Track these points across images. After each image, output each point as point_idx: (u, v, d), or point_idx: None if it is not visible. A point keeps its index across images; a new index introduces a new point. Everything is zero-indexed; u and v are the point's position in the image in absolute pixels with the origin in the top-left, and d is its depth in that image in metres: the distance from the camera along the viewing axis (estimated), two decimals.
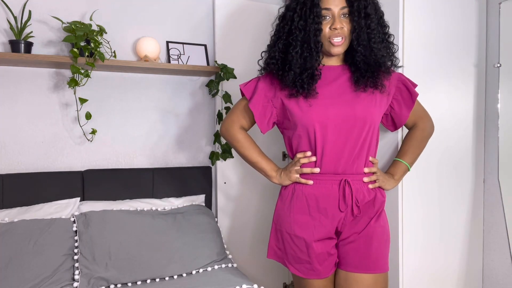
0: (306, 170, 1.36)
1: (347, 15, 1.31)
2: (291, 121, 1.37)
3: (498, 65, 1.75)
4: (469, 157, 1.81)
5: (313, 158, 1.35)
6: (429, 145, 1.69)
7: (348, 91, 1.34)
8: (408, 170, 1.49)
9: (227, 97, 2.07)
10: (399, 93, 1.42)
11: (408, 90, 1.41)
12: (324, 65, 1.39)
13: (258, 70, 1.45)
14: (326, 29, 1.30)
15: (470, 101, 1.80)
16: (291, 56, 1.31)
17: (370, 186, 1.37)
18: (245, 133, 1.50)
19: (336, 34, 1.29)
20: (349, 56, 1.38)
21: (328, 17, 1.30)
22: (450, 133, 1.75)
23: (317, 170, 1.35)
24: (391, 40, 1.38)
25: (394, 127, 1.48)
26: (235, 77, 2.05)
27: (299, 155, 1.38)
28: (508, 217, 1.72)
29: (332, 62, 1.40)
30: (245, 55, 2.18)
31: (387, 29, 1.37)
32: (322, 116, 1.31)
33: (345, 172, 1.34)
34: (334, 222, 1.35)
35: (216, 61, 2.10)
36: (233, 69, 2.06)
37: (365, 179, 1.36)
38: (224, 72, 2.03)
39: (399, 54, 1.61)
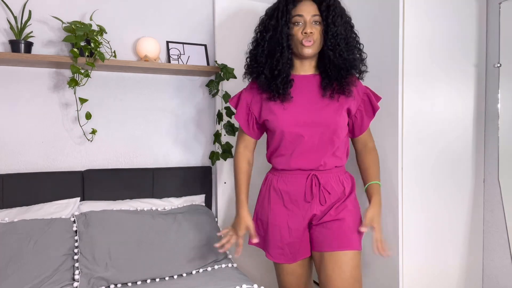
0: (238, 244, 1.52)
1: (318, 23, 1.43)
2: (266, 123, 1.50)
3: (498, 65, 1.75)
4: (469, 157, 1.81)
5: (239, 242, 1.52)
6: (429, 145, 1.69)
7: (317, 98, 1.46)
8: (380, 186, 1.55)
9: (227, 97, 2.07)
10: (363, 104, 1.51)
11: (370, 102, 1.51)
12: (297, 74, 1.50)
13: (242, 75, 1.58)
14: (298, 33, 1.42)
15: (470, 101, 1.80)
16: (263, 59, 1.46)
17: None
18: (244, 167, 1.59)
19: (307, 37, 1.41)
20: (321, 64, 1.49)
21: (300, 23, 1.42)
22: (450, 133, 1.75)
23: (239, 248, 1.51)
24: (361, 48, 1.50)
25: (353, 134, 1.56)
26: (235, 77, 2.05)
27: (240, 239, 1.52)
28: (508, 217, 1.72)
29: (305, 70, 1.51)
30: (245, 55, 2.18)
31: (357, 37, 1.49)
32: (292, 120, 1.44)
33: (313, 169, 1.48)
34: (306, 212, 1.49)
35: (216, 61, 2.10)
36: (233, 69, 2.06)
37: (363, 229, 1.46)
38: (224, 72, 2.03)
39: (399, 55, 1.61)
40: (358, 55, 1.48)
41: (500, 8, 1.73)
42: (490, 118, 1.82)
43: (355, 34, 1.49)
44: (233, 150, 2.14)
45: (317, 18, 1.43)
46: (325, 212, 1.49)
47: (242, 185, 1.57)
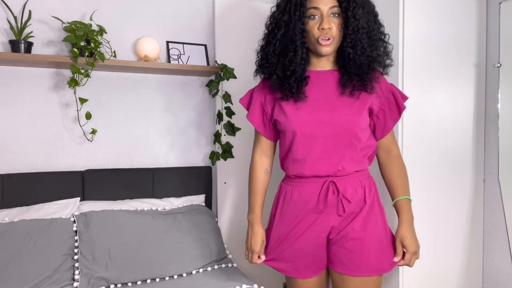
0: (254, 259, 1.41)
1: (336, 15, 1.26)
2: (277, 125, 1.38)
3: (498, 65, 1.75)
4: (469, 157, 1.81)
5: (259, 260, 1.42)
6: (429, 145, 1.69)
7: (335, 96, 1.31)
8: (410, 200, 1.38)
9: (227, 97, 2.07)
10: (387, 103, 1.35)
11: (396, 101, 1.35)
12: (313, 70, 1.36)
13: (253, 73, 1.45)
14: (314, 29, 1.26)
15: (470, 101, 1.80)
16: (275, 59, 1.31)
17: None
18: (260, 177, 1.46)
19: (324, 34, 1.25)
20: (340, 59, 1.33)
21: (316, 17, 1.26)
22: (450, 133, 1.75)
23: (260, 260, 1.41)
24: (386, 39, 1.33)
25: (376, 138, 1.40)
26: (235, 77, 2.05)
27: (254, 257, 1.41)
28: (508, 217, 1.72)
29: (322, 66, 1.35)
30: (245, 55, 2.18)
31: (382, 27, 1.32)
32: (305, 120, 1.30)
33: (330, 175, 1.31)
34: (324, 225, 1.33)
35: (216, 61, 2.10)
36: (233, 69, 2.06)
37: (396, 259, 1.32)
38: (224, 72, 2.03)
39: (399, 54, 1.61)
40: (382, 49, 1.31)
41: (500, 8, 1.73)
42: (490, 118, 1.82)
43: (379, 24, 1.31)
44: (233, 150, 2.14)
45: (336, 10, 1.25)
46: (345, 223, 1.31)
47: (257, 196, 1.43)
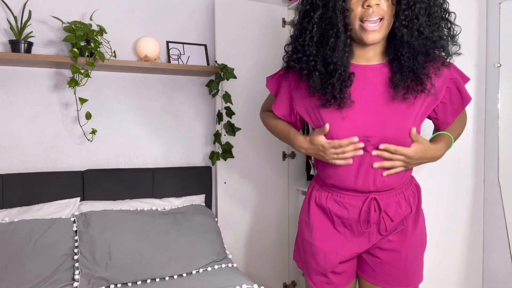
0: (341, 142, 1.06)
1: None
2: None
3: (498, 65, 1.75)
4: (469, 157, 1.81)
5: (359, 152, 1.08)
6: None
7: (385, 100, 1.07)
8: (451, 144, 1.17)
9: (227, 97, 2.07)
10: (448, 95, 1.11)
11: (459, 92, 1.11)
12: (357, 64, 1.10)
13: (283, 68, 1.21)
14: (357, 7, 1.00)
15: (470, 101, 1.79)
16: (314, 49, 1.05)
17: (385, 173, 1.09)
18: (272, 116, 1.29)
19: (371, 13, 0.98)
20: (390, 49, 1.07)
21: None
22: None
23: (360, 144, 1.06)
24: (451, 19, 1.05)
25: (435, 128, 1.23)
26: (235, 77, 2.05)
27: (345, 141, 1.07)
28: (508, 217, 1.72)
29: (368, 59, 1.10)
30: (245, 55, 2.18)
31: (446, 4, 1.05)
32: (353, 134, 1.07)
33: (373, 191, 1.13)
34: (363, 241, 1.18)
35: (216, 61, 2.10)
36: (233, 69, 2.06)
37: (375, 165, 1.09)
38: (224, 72, 2.03)
39: None
40: (446, 31, 1.05)
41: (500, 8, 1.73)
42: (490, 118, 1.82)
43: (442, 0, 1.04)
44: (233, 150, 2.14)
45: None
46: (384, 237, 1.18)
47: (284, 125, 1.24)
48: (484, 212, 1.86)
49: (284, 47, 1.16)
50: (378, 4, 0.98)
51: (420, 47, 1.01)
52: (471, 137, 1.81)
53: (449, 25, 1.06)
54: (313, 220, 1.22)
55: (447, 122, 1.16)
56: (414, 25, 1.00)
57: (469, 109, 1.79)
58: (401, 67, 1.03)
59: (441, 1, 1.05)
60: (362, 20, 1.01)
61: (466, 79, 1.14)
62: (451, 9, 1.61)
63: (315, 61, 1.06)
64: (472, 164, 1.82)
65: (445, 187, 1.75)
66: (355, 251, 1.19)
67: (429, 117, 1.19)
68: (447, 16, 1.05)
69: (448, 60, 1.08)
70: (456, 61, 1.74)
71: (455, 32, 1.06)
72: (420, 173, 1.68)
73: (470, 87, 1.79)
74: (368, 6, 0.98)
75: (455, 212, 1.78)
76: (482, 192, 1.85)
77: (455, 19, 1.07)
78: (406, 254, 1.17)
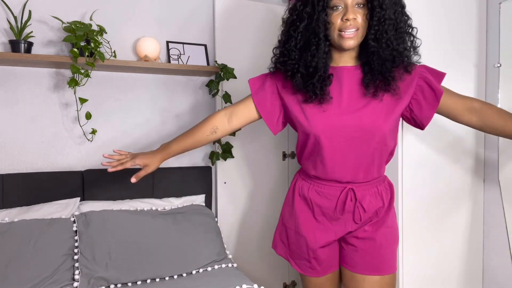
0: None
1: (361, 5, 1.18)
2: (298, 126, 1.32)
3: (498, 65, 1.75)
4: (469, 157, 1.81)
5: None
6: (429, 145, 1.69)
7: (358, 98, 1.25)
8: None
9: (227, 97, 2.07)
10: (420, 92, 1.27)
11: (431, 89, 1.25)
12: (335, 66, 1.28)
13: (268, 68, 1.38)
14: (337, 20, 1.18)
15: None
16: (297, 54, 1.23)
17: None
18: (203, 126, 1.41)
19: (348, 26, 1.17)
20: (363, 54, 1.26)
21: (340, 7, 1.18)
22: (450, 133, 1.75)
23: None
24: (414, 33, 1.25)
25: (420, 127, 1.34)
26: (235, 77, 2.05)
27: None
28: (508, 217, 1.72)
29: (345, 62, 1.28)
30: (245, 55, 2.18)
31: (410, 21, 1.24)
32: (330, 125, 1.24)
33: (350, 181, 1.29)
34: (339, 228, 1.34)
35: (216, 61, 2.10)
36: (233, 69, 2.06)
37: None
38: (224, 72, 2.03)
39: None
40: (409, 43, 1.24)
41: (500, 8, 1.73)
42: None
43: (407, 16, 1.24)
44: (233, 150, 2.14)
45: (361, 0, 1.18)
46: (360, 226, 1.33)
47: (184, 134, 1.42)
48: (484, 212, 1.86)
49: (273, 50, 1.34)
50: (355, 19, 1.17)
51: (387, 56, 1.20)
52: (471, 137, 1.81)
53: (412, 38, 1.25)
54: (297, 210, 1.38)
55: (426, 116, 1.28)
56: (383, 38, 1.18)
57: None
58: (372, 70, 1.22)
59: (406, 18, 1.23)
60: (340, 31, 1.19)
61: (440, 75, 1.28)
62: (452, 9, 1.63)
63: (298, 64, 1.24)
64: (472, 164, 1.82)
65: (445, 187, 1.75)
66: (332, 238, 1.35)
67: (411, 119, 1.33)
68: (410, 30, 1.24)
69: (409, 68, 1.26)
70: (456, 61, 1.75)
71: (416, 44, 1.26)
72: (420, 173, 1.68)
73: (470, 87, 1.79)
74: (347, 19, 1.17)
75: (455, 212, 1.78)
76: (482, 192, 1.85)
77: (417, 33, 1.26)
78: (380, 242, 1.31)
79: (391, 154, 1.35)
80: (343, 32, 1.18)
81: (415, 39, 1.25)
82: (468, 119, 1.30)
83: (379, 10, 1.17)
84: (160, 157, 1.37)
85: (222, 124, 1.39)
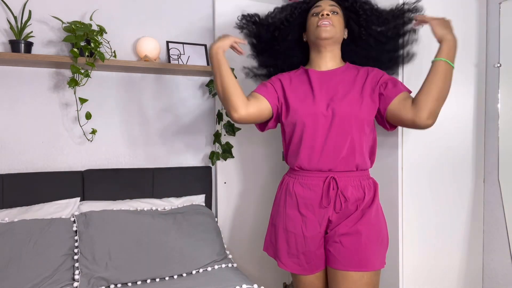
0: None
1: (337, 13, 1.39)
2: (287, 114, 1.43)
3: (498, 65, 1.75)
4: (469, 157, 1.81)
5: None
6: (429, 145, 1.69)
7: (340, 89, 1.38)
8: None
9: None
10: (384, 86, 1.38)
11: (392, 82, 1.38)
12: (316, 69, 1.45)
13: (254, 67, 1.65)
14: (315, 19, 1.39)
15: (470, 101, 1.80)
16: (276, 52, 1.51)
17: (415, 25, 1.41)
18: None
19: (323, 19, 1.36)
20: (346, 54, 1.49)
21: (318, 13, 1.39)
22: (450, 133, 1.75)
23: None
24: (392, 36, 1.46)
25: (386, 126, 1.42)
26: (235, 77, 2.05)
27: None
28: (508, 217, 1.72)
29: (326, 63, 1.45)
30: (245, 55, 2.18)
31: (389, 24, 1.45)
32: (308, 113, 1.35)
33: (332, 170, 1.36)
34: (322, 217, 1.37)
35: None
36: (233, 69, 2.05)
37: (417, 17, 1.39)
38: None
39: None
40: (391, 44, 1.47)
41: (500, 8, 1.73)
42: (490, 118, 1.82)
43: (385, 18, 1.48)
44: (233, 150, 2.14)
45: (336, 8, 1.41)
46: (340, 220, 1.36)
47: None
48: (484, 212, 1.86)
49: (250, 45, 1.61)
50: (328, 15, 1.36)
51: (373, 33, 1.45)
52: (471, 137, 1.81)
53: (391, 41, 1.49)
54: (282, 206, 1.43)
55: (390, 96, 1.35)
56: (369, 22, 1.43)
57: (469, 109, 1.79)
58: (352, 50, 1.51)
59: (380, 21, 1.46)
60: (317, 24, 1.37)
61: (404, 88, 1.39)
62: (452, 9, 1.63)
63: (281, 59, 1.59)
64: (472, 164, 1.82)
65: (445, 187, 1.75)
66: (317, 230, 1.37)
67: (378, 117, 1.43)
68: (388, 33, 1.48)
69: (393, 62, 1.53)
70: (456, 61, 1.74)
71: (394, 46, 1.51)
72: (420, 173, 1.68)
73: (470, 87, 1.79)
74: (322, 15, 1.37)
75: (455, 212, 1.78)
76: (482, 192, 1.85)
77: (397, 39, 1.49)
78: (361, 238, 1.32)
79: (371, 146, 1.42)
80: (319, 23, 1.36)
81: (393, 42, 1.48)
82: (405, 113, 1.31)
83: (354, 14, 1.45)
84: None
85: (247, 102, 1.41)
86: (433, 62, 1.29)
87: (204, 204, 2.09)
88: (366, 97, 1.36)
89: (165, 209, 1.92)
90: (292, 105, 1.40)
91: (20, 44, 1.71)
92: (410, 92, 1.39)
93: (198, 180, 2.12)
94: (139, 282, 1.65)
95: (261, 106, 1.41)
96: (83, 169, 1.96)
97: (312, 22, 1.39)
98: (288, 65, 1.59)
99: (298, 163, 1.39)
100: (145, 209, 1.89)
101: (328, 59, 1.44)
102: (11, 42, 1.72)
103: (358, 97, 1.35)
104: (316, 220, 1.38)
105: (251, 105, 1.38)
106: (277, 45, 1.55)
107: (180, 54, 2.08)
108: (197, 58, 2.10)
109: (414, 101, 1.29)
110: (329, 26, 1.35)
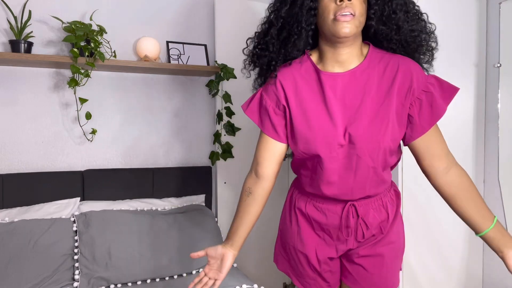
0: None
1: None
2: (293, 139, 1.13)
3: (498, 65, 1.75)
4: (469, 157, 1.81)
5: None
6: None
7: (358, 101, 1.05)
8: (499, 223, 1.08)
9: (227, 97, 2.07)
10: (419, 105, 1.06)
11: (429, 99, 1.05)
12: (332, 72, 1.07)
13: (245, 64, 1.24)
14: (330, 4, 0.98)
15: (470, 101, 1.80)
16: (277, 46, 1.08)
17: None
18: (243, 197, 1.22)
19: (344, 7, 0.96)
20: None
21: None
22: (450, 133, 1.74)
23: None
24: (425, 18, 1.07)
25: (404, 141, 1.15)
26: (235, 77, 2.05)
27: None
28: (508, 217, 1.72)
29: (341, 63, 1.06)
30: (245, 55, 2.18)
31: (418, 6, 1.08)
32: (326, 142, 1.05)
33: (350, 199, 1.12)
34: (341, 245, 1.19)
35: (216, 61, 2.10)
36: (233, 69, 2.06)
37: None
38: (224, 72, 2.03)
39: None
40: (423, 24, 1.07)
41: (500, 8, 1.73)
42: (490, 118, 1.82)
43: (413, 3, 1.08)
44: (233, 150, 2.14)
45: None
46: (361, 244, 1.18)
47: (236, 221, 1.18)
48: None
49: (246, 41, 1.19)
50: (350, 0, 0.96)
51: (403, 38, 1.04)
52: (471, 137, 1.81)
53: (423, 23, 1.08)
54: (294, 226, 1.23)
55: (414, 136, 1.10)
56: (393, 20, 1.02)
57: (469, 109, 1.80)
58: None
59: (413, 4, 1.08)
60: (335, 15, 0.98)
61: (448, 93, 1.09)
62: (452, 9, 1.62)
63: (276, 60, 1.09)
64: (472, 164, 1.82)
65: None
66: (334, 255, 1.21)
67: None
68: (421, 16, 1.08)
69: (430, 58, 1.11)
70: (457, 61, 1.75)
71: (430, 29, 1.08)
72: (420, 173, 1.67)
73: (470, 87, 1.79)
74: (341, 1, 0.96)
75: (455, 213, 1.78)
76: (482, 192, 1.85)
77: (427, 18, 1.10)
78: (382, 260, 1.18)
79: (398, 160, 1.20)
80: (338, 16, 0.96)
81: (426, 24, 1.07)
82: (425, 163, 1.16)
83: None
84: (231, 254, 1.15)
85: (252, 181, 1.21)
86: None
87: (204, 204, 2.09)
88: (392, 118, 1.03)
89: (165, 209, 1.93)
90: (299, 130, 1.08)
91: (20, 44, 1.71)
92: (457, 91, 1.10)
93: (198, 180, 2.12)
94: (139, 282, 1.66)
95: (276, 155, 1.16)
96: (83, 169, 1.96)
97: (327, 8, 0.98)
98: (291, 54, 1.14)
99: (311, 190, 1.16)
100: (145, 209, 1.89)
101: (346, 56, 1.05)
102: (11, 42, 1.72)
103: (382, 116, 1.02)
104: (334, 245, 1.19)
105: (269, 168, 1.17)
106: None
107: (180, 54, 2.08)
108: (197, 58, 2.10)
109: (442, 177, 1.14)
110: (350, 19, 0.96)
